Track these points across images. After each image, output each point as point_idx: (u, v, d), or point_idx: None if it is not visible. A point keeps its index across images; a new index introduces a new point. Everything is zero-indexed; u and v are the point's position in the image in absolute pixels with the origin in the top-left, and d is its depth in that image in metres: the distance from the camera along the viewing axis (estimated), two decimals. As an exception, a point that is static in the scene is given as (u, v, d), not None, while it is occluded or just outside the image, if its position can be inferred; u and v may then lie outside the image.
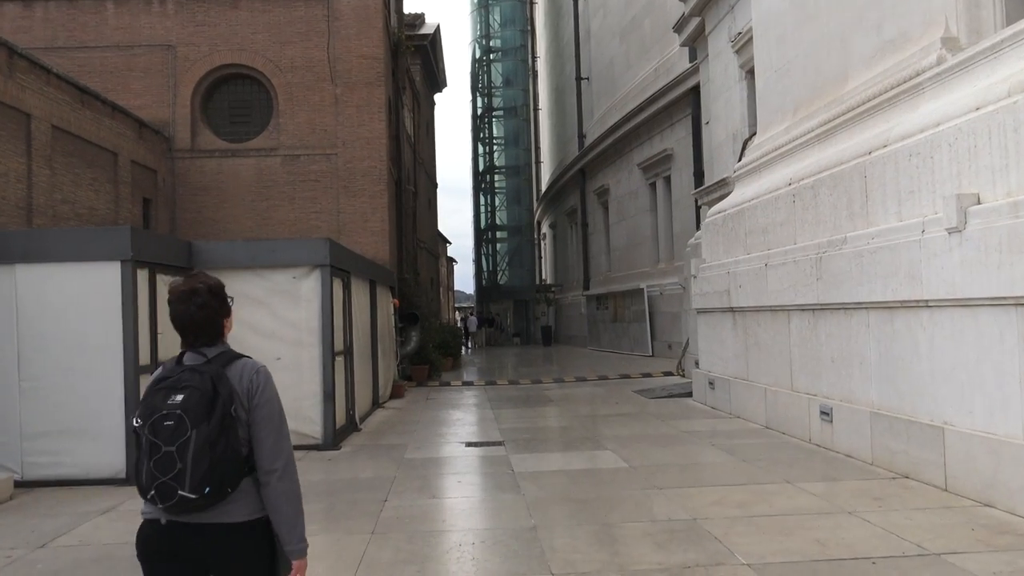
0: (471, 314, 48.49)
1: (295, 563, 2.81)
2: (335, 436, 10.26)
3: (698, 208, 24.15)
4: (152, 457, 2.60)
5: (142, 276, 8.75)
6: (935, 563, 5.01)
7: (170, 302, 2.84)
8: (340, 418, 10.82)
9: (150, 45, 18.28)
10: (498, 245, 50.01)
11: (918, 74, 8.27)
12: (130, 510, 7.21)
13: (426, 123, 42.32)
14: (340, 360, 11.05)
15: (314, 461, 9.41)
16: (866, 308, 8.38)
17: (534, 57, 52.98)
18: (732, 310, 12.34)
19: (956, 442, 6.84)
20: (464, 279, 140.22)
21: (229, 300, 2.95)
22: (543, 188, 51.89)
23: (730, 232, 12.71)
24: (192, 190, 18.22)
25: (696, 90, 24.51)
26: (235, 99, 18.97)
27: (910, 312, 7.59)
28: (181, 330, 2.84)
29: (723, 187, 15.26)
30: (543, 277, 52.51)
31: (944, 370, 7.09)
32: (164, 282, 9.34)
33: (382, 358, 15.01)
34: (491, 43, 48.65)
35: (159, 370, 2.84)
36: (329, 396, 10.21)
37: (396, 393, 16.05)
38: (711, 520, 6.14)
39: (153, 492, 2.60)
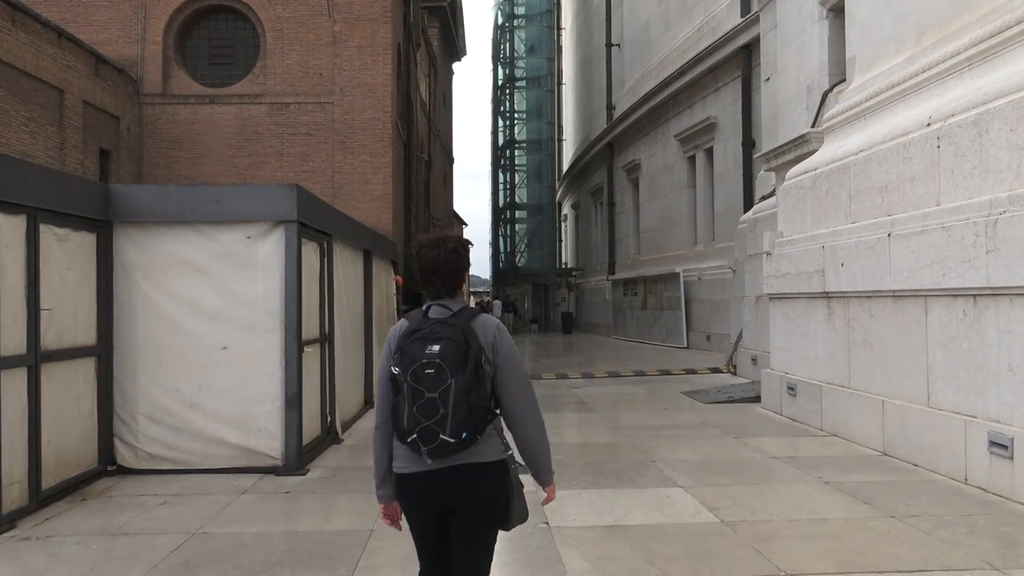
0: (494, 298, 45.41)
1: (547, 488, 3.16)
2: (300, 455, 7.52)
3: (748, 181, 21.32)
4: (415, 402, 2.80)
5: (14, 226, 6.01)
6: None
7: (420, 247, 3.08)
8: (310, 429, 8.08)
9: (117, -31, 15.48)
10: (517, 225, 47.09)
11: None
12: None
13: (443, 93, 39.50)
14: (313, 351, 8.30)
15: (263, 496, 6.68)
16: (1088, 294, 5.56)
17: (559, 29, 49.88)
18: (827, 296, 9.51)
19: None
20: (479, 264, 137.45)
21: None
22: (564, 168, 48.93)
23: (824, 196, 9.86)
24: (163, 142, 15.44)
25: (747, 48, 21.65)
26: (216, 36, 16.08)
27: None
28: (430, 273, 3.05)
29: (801, 146, 12.39)
30: (564, 260, 49.60)
31: None
32: (59, 238, 6.63)
33: (378, 346, 12.26)
34: (515, 8, 45.54)
35: (405, 323, 3.02)
36: (293, 401, 7.46)
37: (396, 388, 13.30)
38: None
39: (415, 436, 2.80)
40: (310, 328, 8.18)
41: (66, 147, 12.89)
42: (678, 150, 26.90)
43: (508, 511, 3.02)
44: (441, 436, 2.77)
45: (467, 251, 3.14)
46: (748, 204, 20.67)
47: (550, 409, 11.59)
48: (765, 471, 7.43)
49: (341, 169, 15.46)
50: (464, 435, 2.79)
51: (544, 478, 3.13)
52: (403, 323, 3.03)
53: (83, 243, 7.04)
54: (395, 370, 2.90)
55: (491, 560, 3.04)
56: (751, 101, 21.52)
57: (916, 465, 7.44)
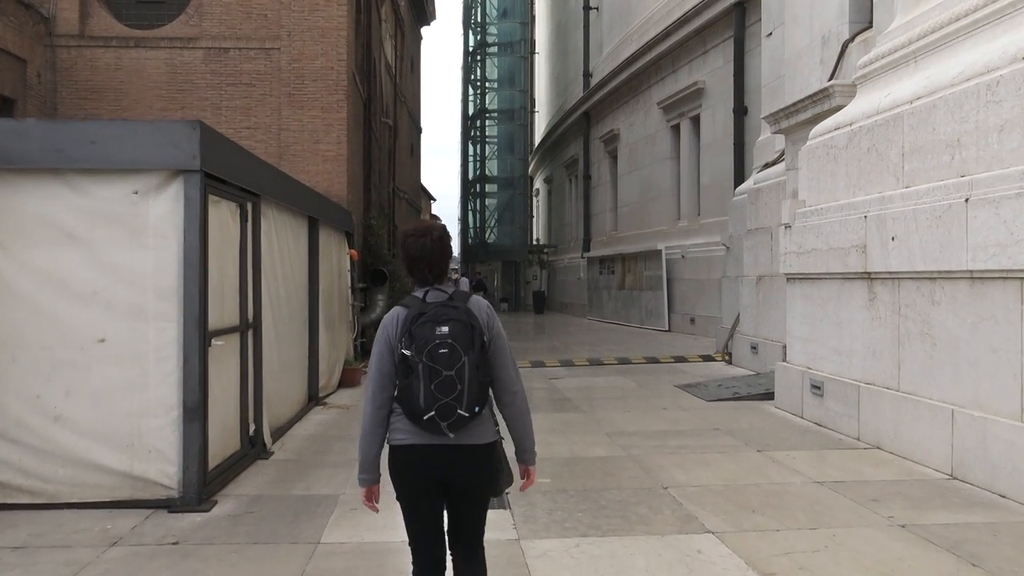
0: (462, 275, 43.06)
1: (531, 468, 3.31)
2: (203, 483, 5.66)
3: (739, 150, 19.64)
4: (433, 381, 2.90)
5: None
6: None
7: (406, 237, 3.20)
8: (223, 445, 6.21)
9: None
10: (487, 200, 45.15)
11: None
12: None
13: (411, 58, 37.35)
14: (229, 343, 6.42)
15: (140, 550, 4.81)
16: None
17: (531, -4, 47.73)
18: (868, 276, 7.83)
19: None
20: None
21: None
22: (537, 141, 46.95)
23: (864, 156, 8.16)
24: (80, 91, 13.32)
25: (740, 6, 19.92)
26: (143, -31, 14.03)
27: None
28: (416, 260, 3.15)
29: (821, 102, 10.66)
30: (536, 237, 47.77)
31: None
32: None
33: (326, 331, 10.39)
34: (487, -31, 43.36)
35: (403, 310, 3.08)
36: (195, 411, 5.60)
37: (347, 380, 11.43)
38: None
39: (433, 412, 2.91)
40: (224, 313, 6.31)
41: (-48, 92, 10.79)
42: (661, 119, 25.17)
43: (499, 482, 3.19)
44: (458, 411, 2.91)
45: (450, 239, 3.28)
46: (740, 175, 19.05)
47: (531, 410, 9.85)
48: (814, 505, 5.72)
49: (288, 126, 13.47)
50: (476, 409, 2.97)
51: (528, 456, 3.28)
52: (400, 309, 3.10)
53: (-103, 196, 5.11)
54: (407, 352, 2.95)
55: (485, 520, 3.25)
56: (744, 64, 19.82)
57: (1004, 496, 5.80)
